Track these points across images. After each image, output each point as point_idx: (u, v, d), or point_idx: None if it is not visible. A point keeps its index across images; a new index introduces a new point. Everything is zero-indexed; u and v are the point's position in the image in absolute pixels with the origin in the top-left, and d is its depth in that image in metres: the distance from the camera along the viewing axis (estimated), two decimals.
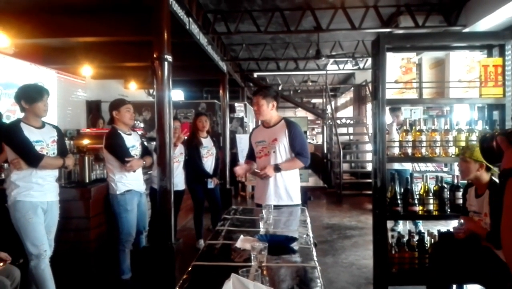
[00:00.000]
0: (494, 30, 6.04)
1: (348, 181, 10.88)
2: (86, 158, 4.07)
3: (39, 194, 3.18)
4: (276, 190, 3.43)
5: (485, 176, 2.91)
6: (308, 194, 5.25)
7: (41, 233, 3.17)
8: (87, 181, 4.02)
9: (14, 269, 2.85)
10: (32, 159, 3.12)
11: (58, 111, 9.05)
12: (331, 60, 11.14)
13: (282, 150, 3.42)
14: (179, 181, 5.05)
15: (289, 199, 3.45)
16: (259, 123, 3.75)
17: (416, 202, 3.51)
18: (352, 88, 14.85)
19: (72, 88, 10.11)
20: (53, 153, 3.27)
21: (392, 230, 5.66)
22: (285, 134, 3.42)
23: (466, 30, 6.57)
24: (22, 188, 3.12)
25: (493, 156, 1.32)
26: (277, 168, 3.37)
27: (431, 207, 3.51)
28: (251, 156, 3.68)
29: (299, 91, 17.78)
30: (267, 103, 3.45)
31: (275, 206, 3.26)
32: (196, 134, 5.36)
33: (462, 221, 3.02)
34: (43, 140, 3.20)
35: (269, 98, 3.46)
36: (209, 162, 5.37)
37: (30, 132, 3.13)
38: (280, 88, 16.12)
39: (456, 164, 3.72)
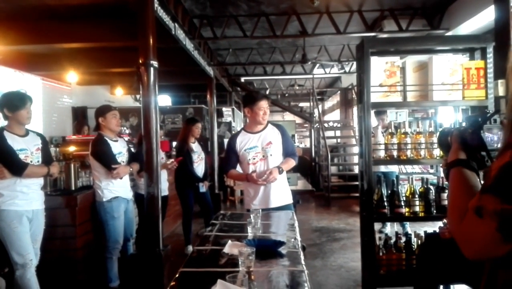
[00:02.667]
0: (476, 33, 6.14)
1: (336, 183, 10.95)
2: (72, 165, 4.03)
3: (24, 203, 3.14)
4: (277, 192, 3.48)
5: None
6: (296, 197, 5.27)
7: (27, 242, 3.13)
8: (73, 188, 3.98)
9: None
10: (16, 167, 3.08)
11: (44, 118, 8.95)
12: (317, 64, 11.22)
13: (277, 152, 3.49)
14: (162, 187, 5.04)
15: (287, 199, 3.55)
16: (242, 128, 3.74)
17: (402, 203, 3.54)
18: (339, 91, 14.96)
19: (57, 95, 10.02)
20: (38, 161, 3.23)
21: (380, 232, 5.70)
22: (278, 136, 3.51)
23: (449, 33, 6.68)
24: (7, 197, 3.08)
25: (446, 149, 1.45)
26: (280, 170, 3.42)
27: (417, 208, 3.54)
28: (234, 165, 3.59)
29: (286, 95, 17.86)
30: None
31: (276, 207, 3.36)
32: (187, 140, 5.37)
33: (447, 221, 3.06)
34: (27, 148, 3.16)
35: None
36: (199, 167, 5.40)
37: (13, 141, 3.10)
38: (267, 92, 16.15)
39: (440, 165, 3.77)
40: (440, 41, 3.94)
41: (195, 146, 5.42)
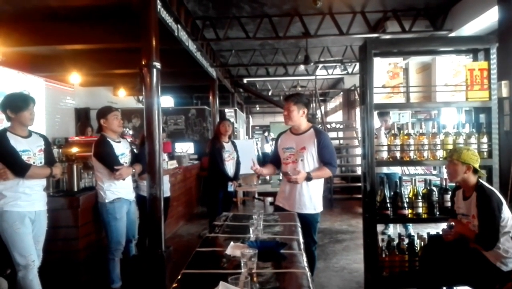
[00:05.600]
0: (479, 34, 6.12)
1: (339, 185, 10.91)
2: (75, 166, 4.02)
3: (26, 204, 3.14)
4: (301, 198, 3.44)
5: (472, 178, 2.94)
6: None
7: (29, 243, 3.12)
8: (75, 189, 3.97)
9: (2, 280, 2.81)
10: (19, 168, 3.07)
11: (47, 119, 8.97)
12: (320, 65, 11.21)
13: (310, 159, 3.44)
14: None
15: (312, 208, 3.48)
16: (288, 128, 3.68)
17: (405, 205, 3.53)
18: (341, 93, 14.94)
19: (60, 96, 10.04)
20: (40, 162, 3.23)
21: (383, 233, 5.67)
22: (314, 143, 3.43)
23: (452, 34, 6.66)
24: (9, 198, 3.07)
25: None
26: (308, 178, 3.36)
27: (420, 210, 3.54)
28: (275, 161, 3.68)
29: None
30: (298, 110, 3.46)
31: (297, 213, 3.28)
32: (219, 138, 5.43)
33: (451, 223, 3.04)
34: (30, 149, 3.16)
35: (301, 104, 3.47)
36: (230, 165, 5.42)
37: (16, 142, 3.10)
38: (270, 93, 16.16)
39: (444, 166, 3.76)
40: (443, 42, 3.93)
41: (228, 145, 5.47)
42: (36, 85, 8.61)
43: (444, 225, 3.22)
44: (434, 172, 6.42)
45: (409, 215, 3.56)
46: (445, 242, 3.03)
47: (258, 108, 23.05)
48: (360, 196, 4.02)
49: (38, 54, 7.90)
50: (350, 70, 11.77)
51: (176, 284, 1.78)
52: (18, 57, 7.46)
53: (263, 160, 14.47)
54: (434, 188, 3.58)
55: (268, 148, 17.58)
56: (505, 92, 3.47)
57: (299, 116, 3.48)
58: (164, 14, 4.93)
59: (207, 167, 5.64)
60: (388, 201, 3.55)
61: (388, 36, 7.11)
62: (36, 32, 6.26)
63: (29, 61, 7.94)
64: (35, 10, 5.75)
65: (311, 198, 3.47)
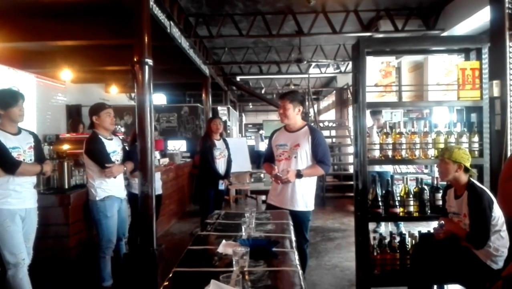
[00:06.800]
0: (471, 34, 6.16)
1: (331, 183, 10.93)
2: (66, 164, 3.99)
3: (17, 201, 3.11)
4: (293, 196, 3.45)
5: (463, 177, 2.96)
6: None
7: (19, 241, 3.10)
8: (66, 187, 3.94)
9: None
10: (9, 165, 3.04)
11: (38, 116, 8.88)
12: (313, 63, 11.23)
13: (303, 156, 3.45)
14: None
15: (304, 206, 3.48)
16: (283, 126, 3.68)
17: (397, 203, 3.54)
18: (334, 91, 14.97)
19: (51, 93, 9.95)
20: (30, 159, 3.20)
21: (374, 231, 5.70)
22: (308, 141, 3.45)
23: (444, 34, 6.70)
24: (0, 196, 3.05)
25: None
26: (299, 175, 3.37)
27: (411, 208, 3.55)
28: (270, 158, 3.67)
29: None
30: (294, 108, 3.47)
31: (289, 210, 3.29)
32: (210, 136, 5.43)
33: (442, 222, 3.06)
34: (20, 146, 3.13)
35: (296, 102, 3.48)
36: (221, 163, 5.42)
37: (6, 139, 3.06)
38: (263, 91, 16.15)
39: (435, 165, 3.78)
40: (435, 41, 3.94)
41: (219, 143, 5.47)
42: (27, 81, 8.51)
43: (435, 224, 3.24)
44: (426, 171, 6.46)
45: (401, 213, 3.58)
46: (436, 240, 3.05)
47: (251, 107, 23.04)
48: (352, 194, 4.02)
49: (29, 50, 7.83)
50: (343, 69, 11.80)
51: (167, 282, 1.77)
52: (8, 53, 7.39)
53: (258, 158, 14.49)
54: (426, 187, 3.60)
55: (263, 146, 17.59)
56: (496, 92, 3.48)
57: (295, 114, 3.50)
58: (156, 10, 4.91)
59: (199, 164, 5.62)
60: (379, 199, 3.56)
61: (381, 35, 7.14)
62: (28, 28, 6.20)
63: (20, 57, 7.87)
64: (26, 5, 5.70)
65: (303, 195, 3.48)
